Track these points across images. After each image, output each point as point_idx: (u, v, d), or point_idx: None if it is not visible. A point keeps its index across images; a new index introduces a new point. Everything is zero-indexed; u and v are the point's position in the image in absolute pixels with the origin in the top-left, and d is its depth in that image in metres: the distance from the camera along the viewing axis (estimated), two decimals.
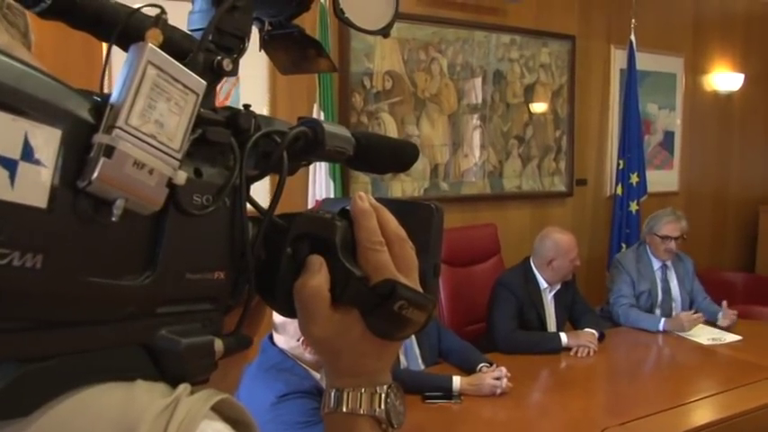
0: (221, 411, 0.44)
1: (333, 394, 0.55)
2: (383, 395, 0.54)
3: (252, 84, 3.41)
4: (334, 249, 0.52)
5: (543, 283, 3.43)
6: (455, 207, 4.31)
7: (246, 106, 0.52)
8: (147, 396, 0.42)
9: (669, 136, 5.39)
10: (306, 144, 0.54)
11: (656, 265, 3.86)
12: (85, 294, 0.39)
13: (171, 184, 0.41)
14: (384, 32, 0.60)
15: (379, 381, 0.55)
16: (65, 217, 0.37)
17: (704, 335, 3.46)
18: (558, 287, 3.46)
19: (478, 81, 4.34)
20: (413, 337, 2.93)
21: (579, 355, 3.17)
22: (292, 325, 2.01)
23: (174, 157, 0.41)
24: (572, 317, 3.53)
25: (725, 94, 5.65)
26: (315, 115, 3.59)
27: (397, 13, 0.60)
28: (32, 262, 0.35)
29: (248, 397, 1.91)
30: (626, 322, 3.65)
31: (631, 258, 3.88)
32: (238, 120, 0.49)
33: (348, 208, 0.55)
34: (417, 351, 2.94)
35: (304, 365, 2.04)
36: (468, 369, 2.81)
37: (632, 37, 4.72)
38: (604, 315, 3.75)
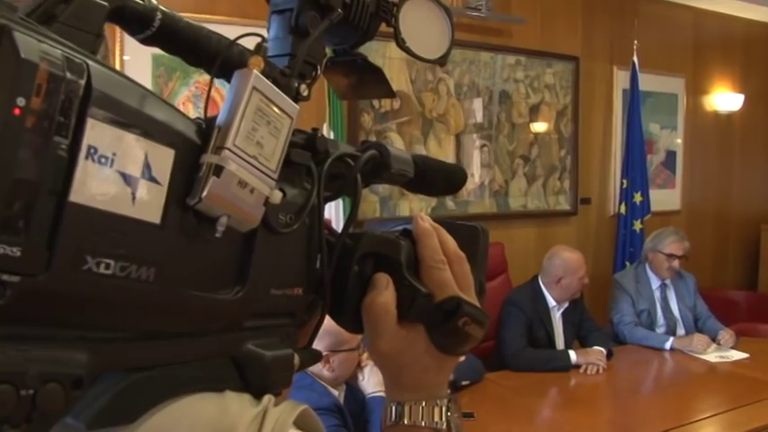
0: (296, 422, 0.47)
1: (394, 408, 0.56)
2: (444, 408, 0.56)
3: None
4: (399, 267, 0.54)
5: (552, 302, 3.46)
6: None
7: (315, 129, 0.54)
8: (238, 405, 0.44)
9: (671, 155, 5.44)
10: (374, 167, 0.56)
11: (655, 284, 3.88)
12: (188, 307, 0.41)
13: (266, 203, 0.43)
14: (441, 61, 0.62)
15: (439, 394, 0.57)
16: (174, 233, 0.39)
17: (712, 353, 3.48)
18: (567, 305, 3.49)
19: (484, 101, 4.39)
20: None
21: (588, 372, 3.18)
22: None
23: (271, 177, 0.43)
24: (580, 335, 3.55)
25: (725, 114, 5.71)
26: (324, 134, 3.62)
27: (452, 44, 0.62)
28: (147, 275, 0.37)
29: None
30: (632, 340, 3.66)
31: (630, 278, 3.90)
32: (316, 142, 0.52)
33: (409, 228, 0.57)
34: None
35: (323, 383, 2.06)
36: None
37: (635, 58, 4.78)
38: (609, 333, 3.77)
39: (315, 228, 0.50)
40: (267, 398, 0.46)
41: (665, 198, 5.31)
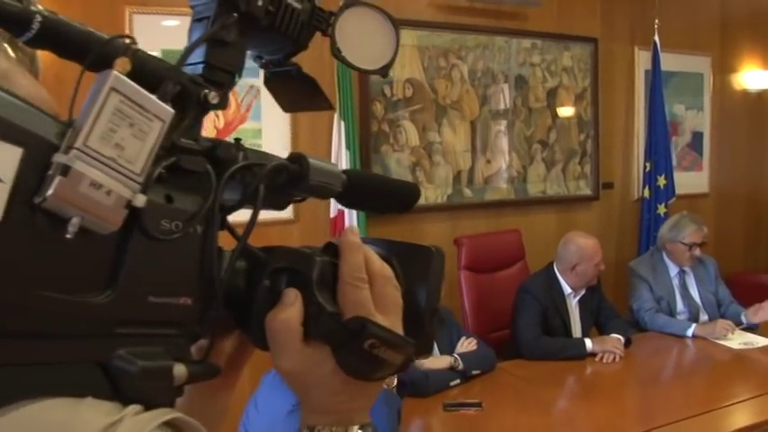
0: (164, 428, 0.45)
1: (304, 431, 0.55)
2: None
3: None
4: (309, 284, 0.53)
5: (567, 289, 3.39)
6: (479, 213, 4.29)
7: (237, 140, 0.53)
8: (91, 413, 0.42)
9: (698, 137, 5.30)
10: (289, 178, 0.54)
11: (674, 271, 3.79)
12: (38, 307, 0.40)
13: (132, 207, 0.42)
14: (383, 72, 0.60)
15: (351, 420, 0.54)
16: (21, 231, 0.38)
17: (735, 339, 3.39)
18: (583, 292, 3.42)
19: (500, 86, 4.32)
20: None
21: (605, 360, 3.12)
22: None
23: (134, 180, 0.42)
24: (598, 322, 3.48)
25: (755, 92, 5.54)
26: (335, 125, 3.62)
27: (396, 53, 0.60)
28: None
29: (265, 405, 1.92)
30: (653, 327, 3.58)
31: (646, 266, 3.82)
32: (217, 151, 0.51)
33: (335, 242, 0.55)
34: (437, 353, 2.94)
35: None
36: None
37: (656, 38, 4.66)
38: (629, 321, 3.69)
39: (209, 237, 0.49)
40: (131, 407, 0.44)
41: (691, 181, 5.19)
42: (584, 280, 3.36)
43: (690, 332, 3.44)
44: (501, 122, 4.35)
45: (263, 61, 0.60)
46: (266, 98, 3.47)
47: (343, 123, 3.60)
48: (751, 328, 3.55)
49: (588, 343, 3.18)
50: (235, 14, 0.52)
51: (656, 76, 4.70)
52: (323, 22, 0.57)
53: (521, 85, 4.39)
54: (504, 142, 4.37)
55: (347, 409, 0.55)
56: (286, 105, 0.64)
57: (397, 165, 3.99)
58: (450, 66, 4.13)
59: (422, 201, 4.02)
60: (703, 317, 3.71)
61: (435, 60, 4.08)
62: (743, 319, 3.56)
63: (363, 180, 0.61)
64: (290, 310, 0.52)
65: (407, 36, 3.97)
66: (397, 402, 2.17)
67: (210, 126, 3.50)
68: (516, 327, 3.29)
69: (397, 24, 0.61)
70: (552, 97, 4.52)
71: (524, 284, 3.42)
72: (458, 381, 2.79)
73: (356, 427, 0.54)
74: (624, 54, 4.86)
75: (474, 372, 2.86)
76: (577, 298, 3.42)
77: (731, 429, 2.48)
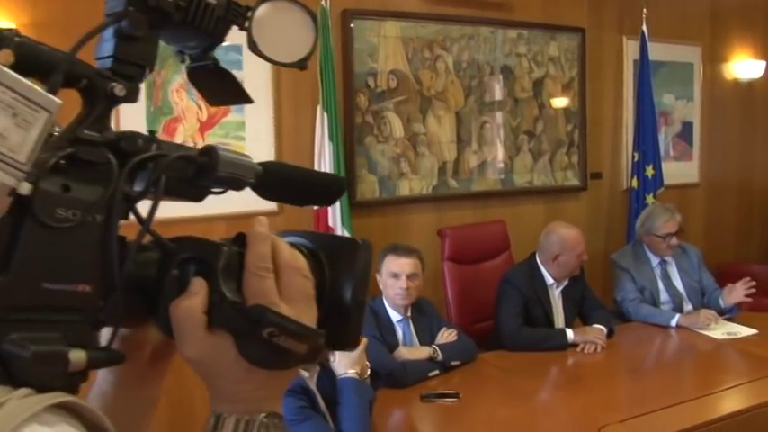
0: (83, 416, 0.45)
1: (213, 420, 0.55)
2: (257, 423, 0.54)
3: (255, 85, 3.42)
4: (214, 273, 0.53)
5: (549, 279, 3.39)
6: (465, 204, 4.29)
7: (152, 132, 0.54)
8: None
9: (688, 127, 5.28)
10: (197, 170, 0.55)
11: (655, 261, 3.79)
12: None
13: (19, 195, 0.43)
14: (300, 65, 0.61)
15: (257, 409, 0.54)
16: None
17: (719, 329, 3.38)
18: (566, 282, 3.42)
19: (486, 77, 4.30)
20: (413, 331, 2.94)
21: (586, 351, 3.12)
22: None
23: (18, 169, 0.42)
24: (582, 312, 3.48)
25: (746, 81, 5.51)
26: (318, 117, 3.62)
27: (314, 47, 0.61)
28: None
29: None
30: (637, 317, 3.58)
31: (628, 257, 3.82)
32: (121, 143, 0.51)
33: (246, 233, 0.56)
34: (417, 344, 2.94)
35: None
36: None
37: (644, 27, 4.64)
38: (614, 312, 3.69)
39: (109, 226, 0.50)
40: (21, 390, 0.44)
41: (681, 171, 5.18)
42: (566, 270, 3.35)
43: (674, 322, 3.44)
44: (487, 113, 4.34)
45: (184, 56, 0.61)
46: (248, 88, 3.44)
47: (326, 115, 3.59)
48: (731, 317, 3.55)
49: (570, 333, 3.18)
50: (131, 8, 0.52)
51: (644, 66, 4.68)
52: (239, 17, 0.57)
53: (507, 76, 4.37)
54: (490, 133, 4.36)
55: (253, 398, 0.55)
56: (209, 99, 0.65)
57: (381, 156, 3.98)
58: (435, 57, 4.12)
59: (407, 192, 4.07)
60: (687, 306, 3.70)
61: (420, 51, 4.06)
62: (721, 302, 3.56)
63: (281, 172, 0.62)
64: (193, 299, 0.52)
65: (391, 27, 3.96)
66: (369, 393, 2.18)
67: (194, 119, 3.50)
68: (498, 318, 3.30)
69: (316, 17, 0.62)
70: (539, 87, 4.50)
71: (506, 275, 3.42)
72: (437, 372, 2.80)
73: (262, 416, 0.54)
74: (612, 44, 4.84)
75: (453, 362, 2.87)
76: (560, 288, 3.42)
77: (712, 417, 2.48)
